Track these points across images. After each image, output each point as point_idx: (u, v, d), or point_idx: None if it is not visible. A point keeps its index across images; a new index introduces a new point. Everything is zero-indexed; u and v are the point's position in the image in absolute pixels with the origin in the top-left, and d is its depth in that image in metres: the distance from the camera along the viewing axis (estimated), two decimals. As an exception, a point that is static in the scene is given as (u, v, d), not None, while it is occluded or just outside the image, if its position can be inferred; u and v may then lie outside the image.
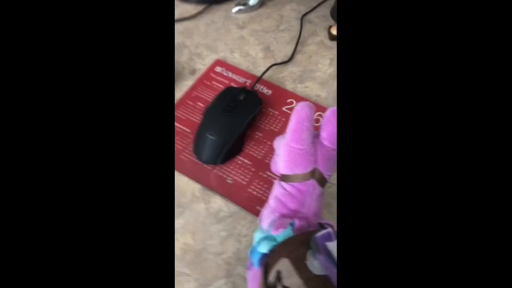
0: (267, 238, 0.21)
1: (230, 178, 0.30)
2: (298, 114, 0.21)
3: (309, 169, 0.22)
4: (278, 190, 0.23)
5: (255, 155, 0.32)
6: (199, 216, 0.28)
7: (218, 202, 0.29)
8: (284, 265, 0.17)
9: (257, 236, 0.22)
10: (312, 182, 0.22)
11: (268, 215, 0.22)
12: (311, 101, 0.36)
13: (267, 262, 0.19)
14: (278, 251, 0.19)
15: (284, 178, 0.23)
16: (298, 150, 0.22)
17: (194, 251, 0.27)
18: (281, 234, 0.20)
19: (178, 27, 0.43)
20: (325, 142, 0.23)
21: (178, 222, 0.28)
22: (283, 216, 0.21)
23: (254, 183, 0.30)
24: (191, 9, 0.45)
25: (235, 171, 0.30)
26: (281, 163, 0.23)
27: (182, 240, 0.27)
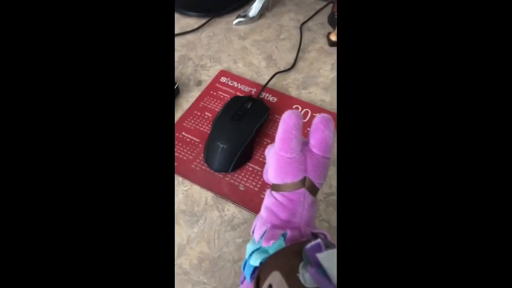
0: (259, 250, 0.20)
1: (242, 185, 0.30)
2: (286, 122, 0.21)
3: (299, 177, 0.21)
4: (269, 200, 0.22)
5: (265, 161, 0.32)
6: (213, 224, 0.28)
7: (231, 209, 0.29)
8: (275, 279, 0.16)
9: (249, 248, 0.21)
10: (303, 191, 0.21)
11: (260, 226, 0.21)
12: (316, 106, 0.37)
13: (259, 275, 0.18)
14: (270, 263, 0.18)
15: (274, 187, 0.22)
16: (287, 159, 0.21)
17: (211, 260, 0.27)
18: (273, 246, 0.20)
19: (181, 40, 0.44)
20: (314, 150, 0.22)
21: (193, 231, 0.28)
22: (275, 226, 0.21)
23: (266, 189, 0.30)
24: (193, 22, 0.46)
25: (246, 178, 0.31)
26: (271, 172, 0.22)
27: (197, 249, 0.27)
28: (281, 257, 0.18)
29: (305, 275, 0.15)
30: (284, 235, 0.20)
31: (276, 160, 0.22)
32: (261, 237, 0.21)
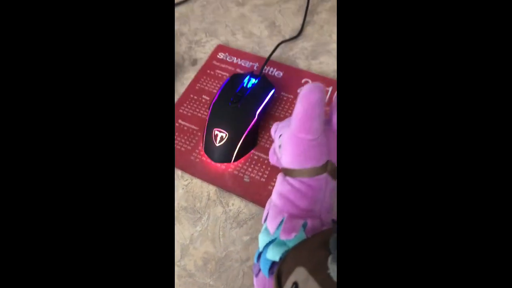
0: (275, 242, 0.18)
1: (247, 176, 0.27)
2: (307, 98, 0.18)
3: (321, 162, 0.19)
4: (283, 186, 0.20)
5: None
6: (218, 220, 0.26)
7: (236, 204, 0.26)
8: (301, 276, 0.15)
9: (263, 239, 0.19)
10: (325, 177, 0.19)
11: (274, 215, 0.19)
12: (329, 79, 0.31)
13: (279, 271, 0.16)
14: (292, 258, 0.16)
15: (289, 172, 0.20)
16: (309, 141, 0.19)
17: (217, 260, 0.24)
18: (294, 238, 0.18)
19: (172, 14, 0.39)
20: None
21: (196, 230, 0.26)
22: (292, 216, 0.19)
23: (274, 179, 0.27)
24: (184, -9, 0.41)
25: (251, 168, 0.28)
26: (287, 156, 0.20)
27: (202, 249, 0.25)
28: (304, 250, 0.16)
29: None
30: (304, 225, 0.18)
31: (295, 144, 0.19)
32: (278, 228, 0.19)
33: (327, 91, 0.30)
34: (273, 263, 0.18)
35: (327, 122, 0.20)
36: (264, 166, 0.28)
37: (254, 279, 0.20)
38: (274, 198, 0.21)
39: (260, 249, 0.19)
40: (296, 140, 0.19)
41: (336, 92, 0.21)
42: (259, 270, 0.19)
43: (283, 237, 0.18)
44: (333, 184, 0.20)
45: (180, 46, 0.36)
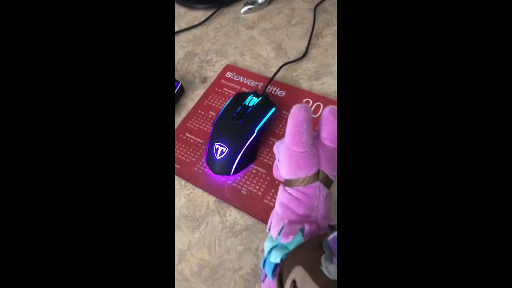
0: (278, 247, 0.20)
1: (245, 189, 0.29)
2: (295, 117, 0.21)
3: (313, 171, 0.21)
4: (283, 196, 0.22)
5: (270, 162, 0.30)
6: (215, 229, 0.27)
7: (233, 215, 0.28)
8: (298, 273, 0.16)
9: (268, 245, 0.21)
10: (318, 184, 0.21)
11: (276, 223, 0.21)
12: (329, 99, 0.33)
13: (281, 272, 0.18)
14: (291, 259, 0.18)
15: (287, 183, 0.22)
16: (300, 153, 0.21)
17: (211, 267, 0.26)
18: (292, 242, 0.20)
19: (187, 35, 0.42)
20: (326, 142, 0.22)
21: (194, 237, 0.27)
22: (292, 222, 0.21)
23: (270, 193, 0.28)
24: (200, 15, 0.44)
25: (249, 181, 0.29)
26: (283, 168, 0.22)
27: (198, 255, 0.26)
28: (302, 251, 0.18)
29: (329, 267, 0.15)
30: (302, 230, 0.20)
31: (288, 156, 0.22)
32: (279, 234, 0.21)
33: (319, 108, 0.32)
34: (276, 266, 0.20)
35: (317, 136, 0.23)
36: (261, 180, 0.29)
37: (262, 285, 0.22)
38: (276, 207, 0.23)
39: (265, 255, 0.21)
40: (289, 152, 0.22)
41: (325, 108, 0.24)
42: (265, 275, 0.21)
43: (283, 241, 0.20)
44: (326, 191, 0.22)
45: (193, 65, 0.39)
